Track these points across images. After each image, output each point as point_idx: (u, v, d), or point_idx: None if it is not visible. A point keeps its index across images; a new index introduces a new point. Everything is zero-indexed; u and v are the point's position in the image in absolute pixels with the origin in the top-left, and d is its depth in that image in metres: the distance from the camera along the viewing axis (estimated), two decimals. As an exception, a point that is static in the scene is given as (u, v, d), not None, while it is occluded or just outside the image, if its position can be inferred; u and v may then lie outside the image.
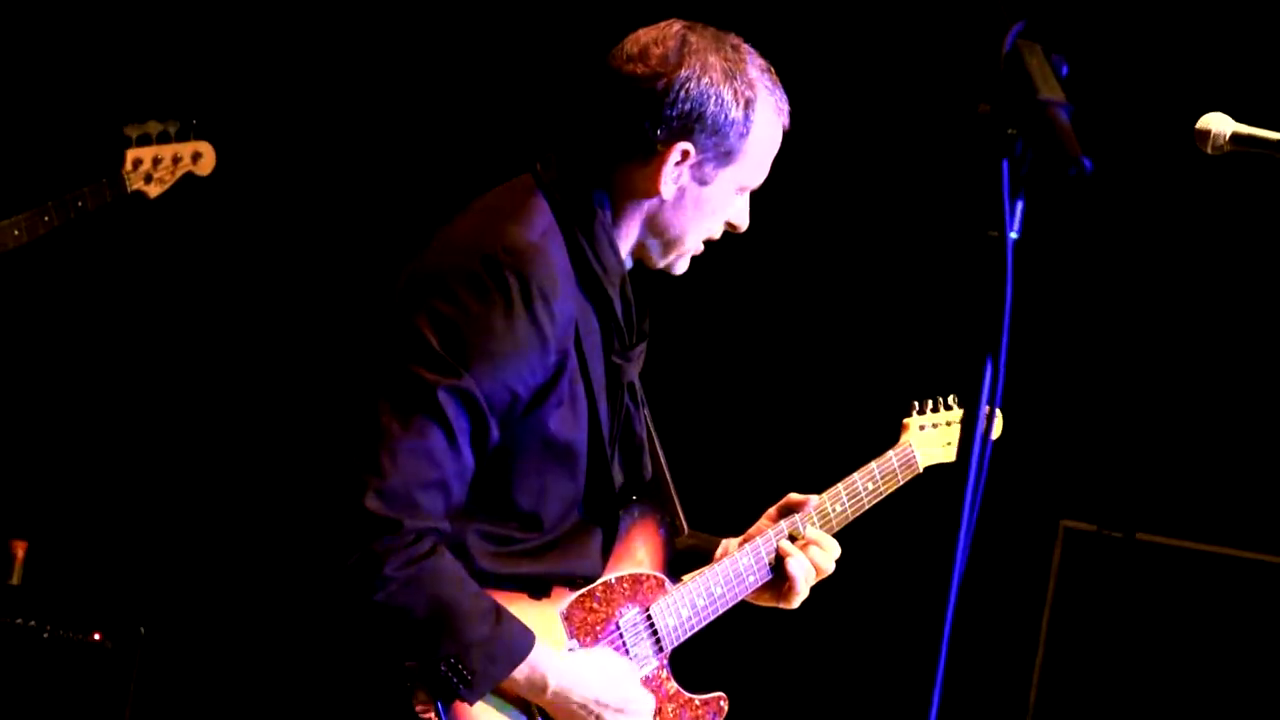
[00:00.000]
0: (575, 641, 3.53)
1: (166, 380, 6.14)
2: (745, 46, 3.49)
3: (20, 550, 5.45)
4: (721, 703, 3.73)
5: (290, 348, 6.12)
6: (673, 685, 3.65)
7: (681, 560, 3.74)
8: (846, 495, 3.85)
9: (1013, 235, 2.41)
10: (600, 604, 3.56)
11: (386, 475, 3.26)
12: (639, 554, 3.64)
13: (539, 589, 3.51)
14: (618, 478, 3.56)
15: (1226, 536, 5.83)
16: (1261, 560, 5.78)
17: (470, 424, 3.30)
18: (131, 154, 5.23)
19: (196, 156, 5.34)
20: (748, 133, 3.45)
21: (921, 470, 3.98)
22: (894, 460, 3.94)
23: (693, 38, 3.45)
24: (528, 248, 3.34)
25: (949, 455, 3.99)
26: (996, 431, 3.94)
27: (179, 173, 5.32)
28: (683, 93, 3.41)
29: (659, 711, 3.62)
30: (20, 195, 5.15)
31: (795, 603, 3.77)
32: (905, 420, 4.03)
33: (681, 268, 3.57)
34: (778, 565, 3.73)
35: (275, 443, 6.04)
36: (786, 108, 3.49)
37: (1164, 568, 5.77)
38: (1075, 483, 6.07)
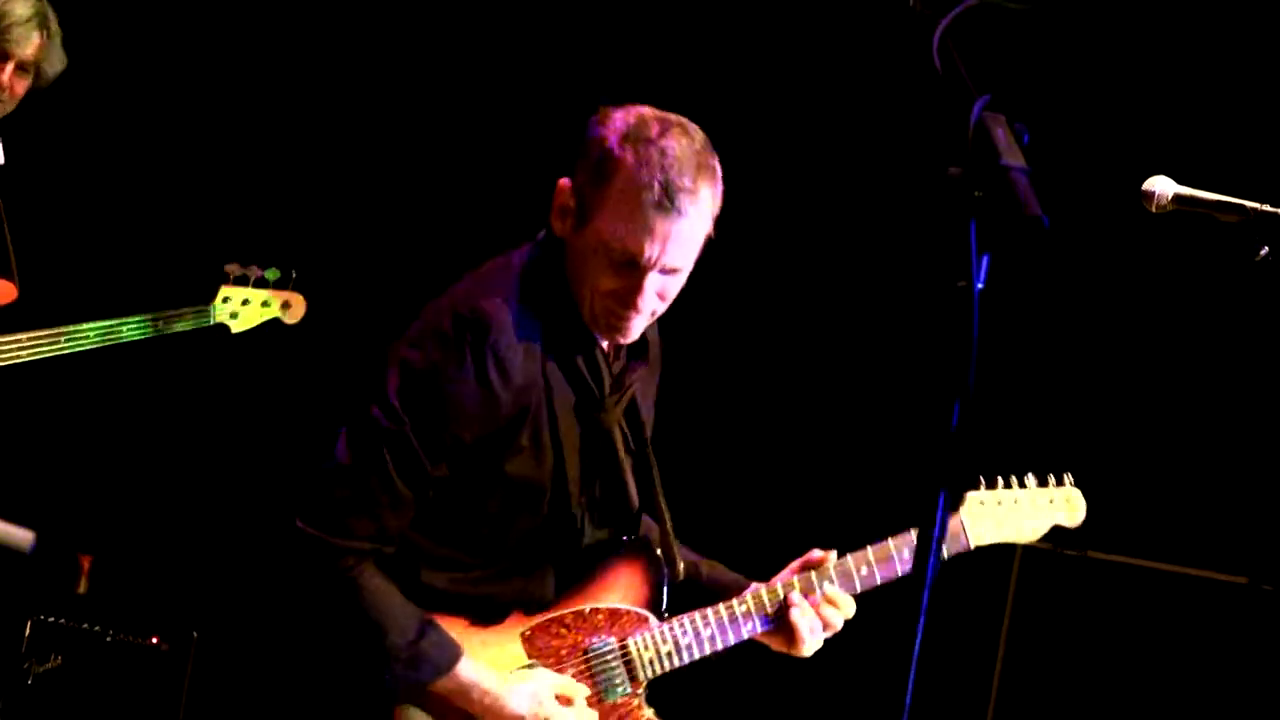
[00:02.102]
0: (537, 661, 3.50)
1: (215, 420, 6.15)
2: (680, 134, 3.31)
3: (86, 563, 5.44)
4: None
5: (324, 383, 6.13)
6: (645, 713, 3.57)
7: (702, 596, 3.65)
8: (876, 558, 3.63)
9: (979, 286, 2.41)
10: (570, 631, 3.53)
11: (323, 497, 3.32)
12: (622, 591, 3.57)
13: (496, 612, 3.49)
14: (584, 517, 3.51)
15: (1177, 555, 5.79)
16: (1211, 578, 5.71)
17: (406, 465, 3.31)
18: (224, 290, 5.25)
19: (286, 305, 5.34)
20: (602, 186, 3.30)
21: (971, 548, 3.73)
22: None
23: (647, 112, 3.36)
24: (493, 314, 3.33)
25: (1009, 537, 3.76)
26: (1077, 517, 3.87)
27: (266, 316, 5.32)
28: (587, 132, 3.37)
29: None
30: (125, 302, 5.17)
31: (804, 652, 3.63)
32: (965, 494, 3.74)
33: (608, 330, 3.43)
34: (782, 615, 3.62)
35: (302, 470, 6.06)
36: (655, 192, 3.26)
37: (1117, 585, 5.72)
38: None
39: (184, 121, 6.30)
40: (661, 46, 6.17)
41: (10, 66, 4.92)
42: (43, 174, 5.47)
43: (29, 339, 5.02)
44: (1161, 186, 3.35)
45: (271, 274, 5.36)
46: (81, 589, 5.42)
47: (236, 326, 5.29)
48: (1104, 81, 5.94)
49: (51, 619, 5.21)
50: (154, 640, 5.38)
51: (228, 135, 6.33)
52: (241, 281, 5.31)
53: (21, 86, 5.00)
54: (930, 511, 2.40)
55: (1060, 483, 3.81)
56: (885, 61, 5.62)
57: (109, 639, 5.27)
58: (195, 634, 5.31)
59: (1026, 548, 5.72)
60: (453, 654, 3.38)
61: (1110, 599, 5.69)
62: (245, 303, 5.29)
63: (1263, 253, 3.21)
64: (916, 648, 2.43)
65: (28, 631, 5.11)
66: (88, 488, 6.33)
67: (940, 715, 5.88)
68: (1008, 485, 3.78)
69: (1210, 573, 5.72)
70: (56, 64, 5.06)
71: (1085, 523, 5.83)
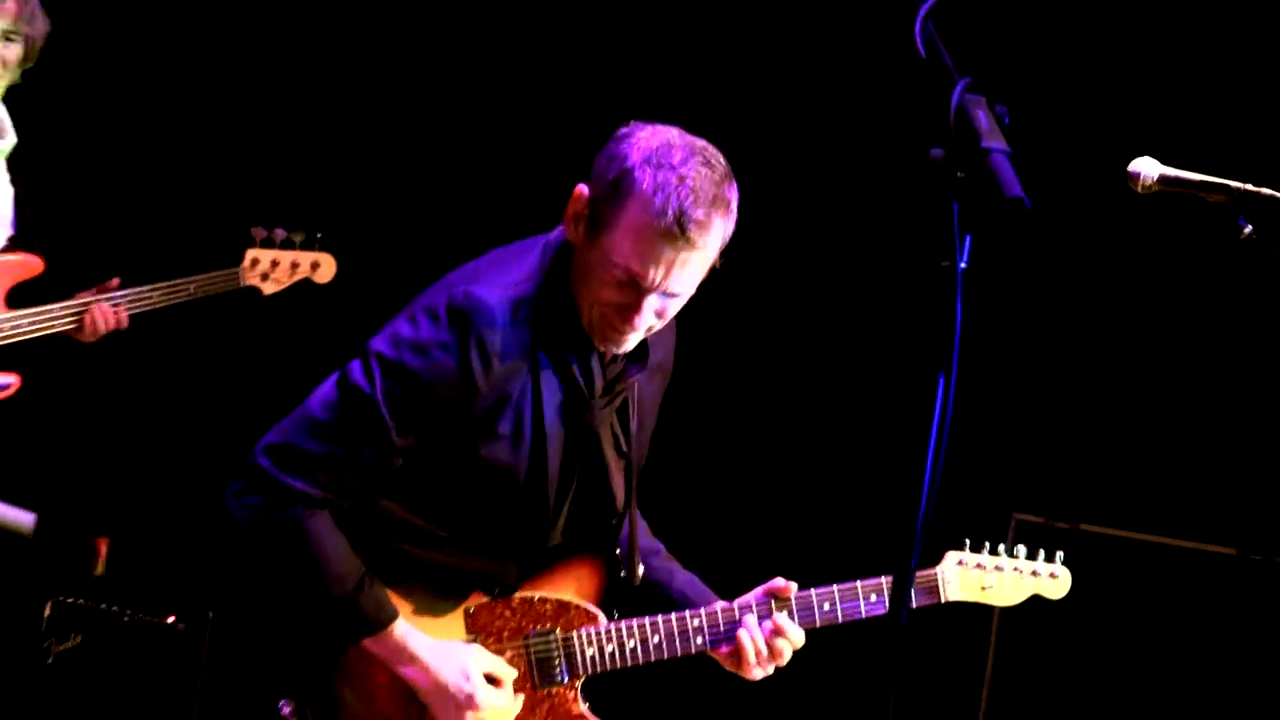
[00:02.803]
0: (476, 638, 3.49)
1: (226, 404, 6.12)
2: (701, 163, 3.25)
3: (103, 546, 5.43)
4: None
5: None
6: (579, 707, 3.54)
7: (666, 604, 3.62)
8: (841, 597, 3.58)
9: (962, 265, 2.39)
10: (514, 615, 3.51)
11: (288, 439, 3.32)
12: (576, 585, 3.55)
13: (456, 586, 3.49)
14: (559, 511, 3.49)
15: (1166, 527, 5.77)
16: (1200, 549, 5.70)
17: (372, 430, 3.30)
18: (251, 253, 5.20)
19: (315, 265, 5.29)
20: (616, 203, 3.25)
21: (944, 601, 3.67)
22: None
23: (673, 135, 3.30)
24: (487, 303, 3.31)
25: (983, 598, 3.70)
26: (1060, 593, 3.81)
27: (296, 277, 5.28)
28: (608, 146, 3.32)
29: None
30: (155, 270, 5.13)
31: (750, 675, 3.59)
32: (948, 551, 3.68)
33: (603, 339, 3.39)
34: (733, 635, 3.56)
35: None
36: (668, 219, 3.20)
37: (1108, 557, 5.71)
38: (1025, 477, 6.04)
39: (199, 87, 6.25)
40: (652, 32, 6.15)
41: None
42: (61, 148, 5.43)
43: (61, 309, 4.99)
44: (1147, 168, 3.34)
45: (298, 235, 5.31)
46: (99, 570, 5.41)
47: (268, 289, 5.26)
48: (1089, 63, 5.91)
49: (71, 599, 5.21)
50: (170, 620, 5.38)
51: (243, 100, 6.27)
52: (269, 244, 5.26)
53: (13, 53, 4.97)
54: (904, 563, 2.38)
55: (1050, 559, 3.77)
56: (869, 46, 5.62)
57: (127, 618, 5.28)
58: (210, 614, 5.29)
59: (1020, 520, 5.70)
60: (388, 614, 3.38)
61: (1102, 570, 5.67)
62: (275, 264, 5.25)
63: (1246, 230, 3.19)
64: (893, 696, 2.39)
65: (48, 612, 5.11)
66: (103, 474, 6.31)
67: (935, 684, 5.87)
68: (995, 552, 3.73)
69: (1199, 544, 5.70)
70: (40, 26, 5.01)
71: (1078, 495, 5.84)
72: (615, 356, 3.45)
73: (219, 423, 6.03)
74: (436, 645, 3.43)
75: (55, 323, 4.96)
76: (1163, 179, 3.31)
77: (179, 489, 6.06)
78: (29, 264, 4.97)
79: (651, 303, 3.30)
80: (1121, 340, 6.08)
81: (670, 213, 3.20)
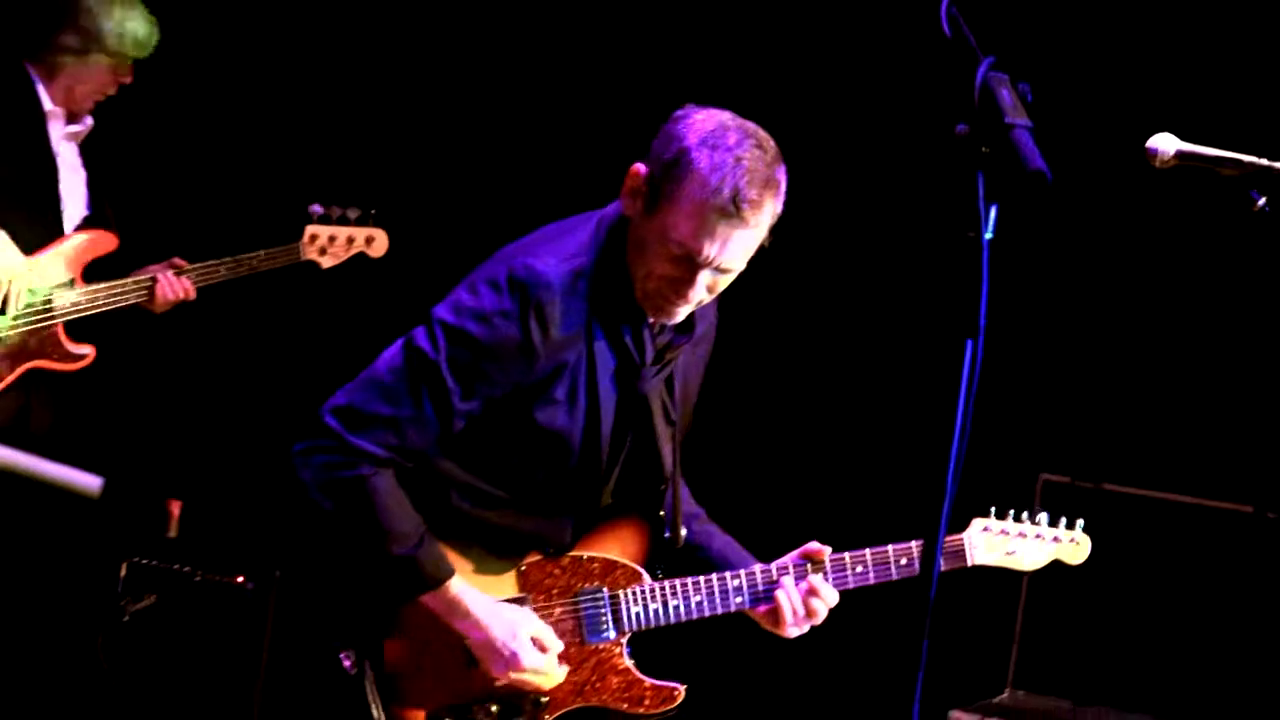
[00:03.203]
0: (527, 595, 3.55)
1: (289, 371, 6.20)
2: (754, 145, 3.32)
3: (175, 508, 5.50)
4: (675, 693, 3.62)
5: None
6: (624, 663, 3.59)
7: (706, 566, 3.67)
8: (873, 561, 3.64)
9: (988, 235, 2.45)
10: (563, 573, 3.57)
11: (355, 401, 3.37)
12: (622, 546, 3.60)
13: (512, 545, 3.55)
14: (611, 475, 3.55)
15: (1187, 486, 5.80)
16: (1219, 507, 5.72)
17: (436, 394, 3.35)
18: (310, 229, 5.28)
19: (370, 240, 5.37)
20: (674, 182, 3.31)
21: (970, 565, 3.73)
22: None
23: (727, 118, 3.36)
24: (546, 275, 3.36)
25: (1008, 563, 3.76)
26: (1079, 558, 3.87)
27: (352, 251, 5.35)
28: (665, 127, 3.38)
29: (598, 682, 3.58)
30: (219, 246, 5.22)
31: (787, 634, 3.66)
32: (974, 518, 3.73)
33: (655, 310, 3.45)
34: (770, 595, 3.62)
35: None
36: (723, 198, 3.27)
37: (1131, 515, 5.74)
38: (1051, 439, 6.06)
39: (261, 72, 6.33)
40: (687, 16, 6.19)
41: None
42: (129, 131, 5.51)
43: (132, 283, 5.08)
44: (1164, 144, 3.36)
45: (353, 212, 5.39)
46: (172, 533, 5.47)
47: (326, 263, 5.33)
48: (1111, 43, 5.93)
49: (145, 561, 5.24)
50: (239, 579, 5.43)
51: (301, 84, 6.35)
52: (325, 220, 5.34)
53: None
54: (933, 528, 2.45)
55: (1071, 526, 3.83)
56: (897, 28, 5.64)
57: (198, 579, 5.31)
58: (278, 573, 5.35)
59: (1046, 481, 5.75)
60: (445, 571, 3.43)
61: (1125, 529, 5.70)
62: (332, 240, 5.32)
63: (1260, 203, 3.23)
64: (924, 653, 2.45)
65: (123, 573, 5.16)
66: (176, 438, 6.40)
67: (966, 643, 5.91)
68: (1019, 519, 3.77)
69: (1218, 502, 5.72)
70: None
71: (1101, 456, 5.87)
72: (664, 327, 3.50)
73: (282, 391, 6.11)
74: (490, 603, 3.48)
75: (128, 296, 5.05)
76: (1179, 154, 3.34)
77: (246, 454, 6.14)
78: (105, 241, 5.07)
79: (704, 278, 3.36)
80: (1143, 305, 6.07)
81: (726, 192, 3.27)
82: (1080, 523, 3.82)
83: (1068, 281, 6.12)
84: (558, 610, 3.56)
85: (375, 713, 3.45)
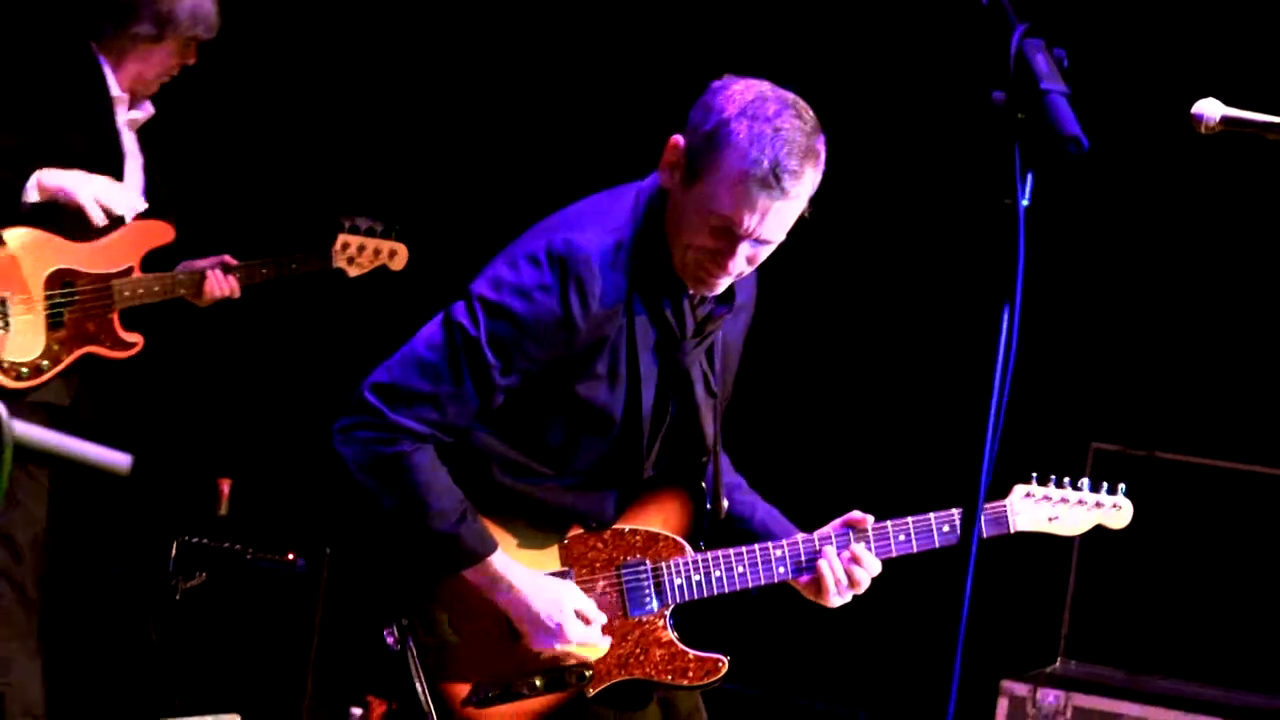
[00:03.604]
0: (570, 569, 3.54)
1: (325, 366, 6.25)
2: (794, 116, 3.29)
3: (226, 487, 5.54)
4: (719, 664, 3.59)
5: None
6: (668, 635, 3.57)
7: (748, 537, 3.65)
8: (915, 529, 3.61)
9: (1024, 203, 2.42)
10: (606, 546, 3.56)
11: (395, 377, 3.37)
12: (663, 518, 3.59)
13: (556, 520, 3.54)
14: (653, 448, 3.53)
15: (1239, 453, 5.77)
16: (1271, 474, 5.70)
17: (477, 369, 3.35)
18: (342, 238, 5.32)
19: (393, 254, 5.40)
20: (713, 153, 3.28)
21: (1013, 531, 3.68)
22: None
23: (766, 89, 3.33)
24: (585, 249, 3.35)
25: (1051, 528, 3.73)
26: (1121, 523, 3.85)
27: (376, 263, 5.38)
28: (703, 98, 3.35)
29: (641, 654, 3.56)
30: (257, 248, 5.25)
31: (830, 603, 3.62)
32: (1016, 485, 3.69)
33: (695, 282, 3.43)
34: (813, 564, 3.60)
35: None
36: (764, 169, 3.25)
37: (1182, 482, 5.72)
38: (1102, 407, 6.04)
39: (298, 88, 6.44)
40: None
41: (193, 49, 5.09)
42: (183, 127, 5.54)
43: (185, 275, 5.11)
44: (1210, 109, 3.35)
45: (379, 225, 5.43)
46: (223, 511, 5.52)
47: (352, 272, 5.36)
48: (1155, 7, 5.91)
49: (196, 539, 5.28)
50: (290, 557, 5.47)
51: (333, 99, 6.45)
52: (355, 231, 5.38)
53: (193, 54, 5.17)
54: (974, 495, 2.41)
55: (1113, 491, 3.80)
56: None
57: (249, 557, 5.35)
58: (328, 550, 5.39)
59: (1098, 450, 5.72)
60: (488, 546, 3.43)
61: (1177, 496, 5.68)
62: (361, 250, 5.36)
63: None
64: (964, 620, 2.43)
65: (174, 551, 5.20)
66: (226, 418, 6.45)
67: (1017, 612, 5.90)
68: (1060, 485, 3.74)
69: (1271, 469, 5.71)
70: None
71: (1152, 424, 5.85)
72: (704, 298, 3.48)
73: (328, 371, 6.16)
74: (533, 577, 3.47)
75: (179, 288, 5.08)
76: (1224, 119, 3.34)
77: (295, 433, 6.19)
78: (165, 231, 5.09)
79: (744, 249, 3.34)
80: (1195, 271, 6.06)
81: (766, 163, 3.24)
82: (1122, 487, 3.80)
83: (1118, 250, 6.09)
84: (601, 583, 3.56)
85: (419, 688, 3.46)
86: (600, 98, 6.36)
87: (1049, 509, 3.72)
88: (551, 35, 6.43)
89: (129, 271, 5.02)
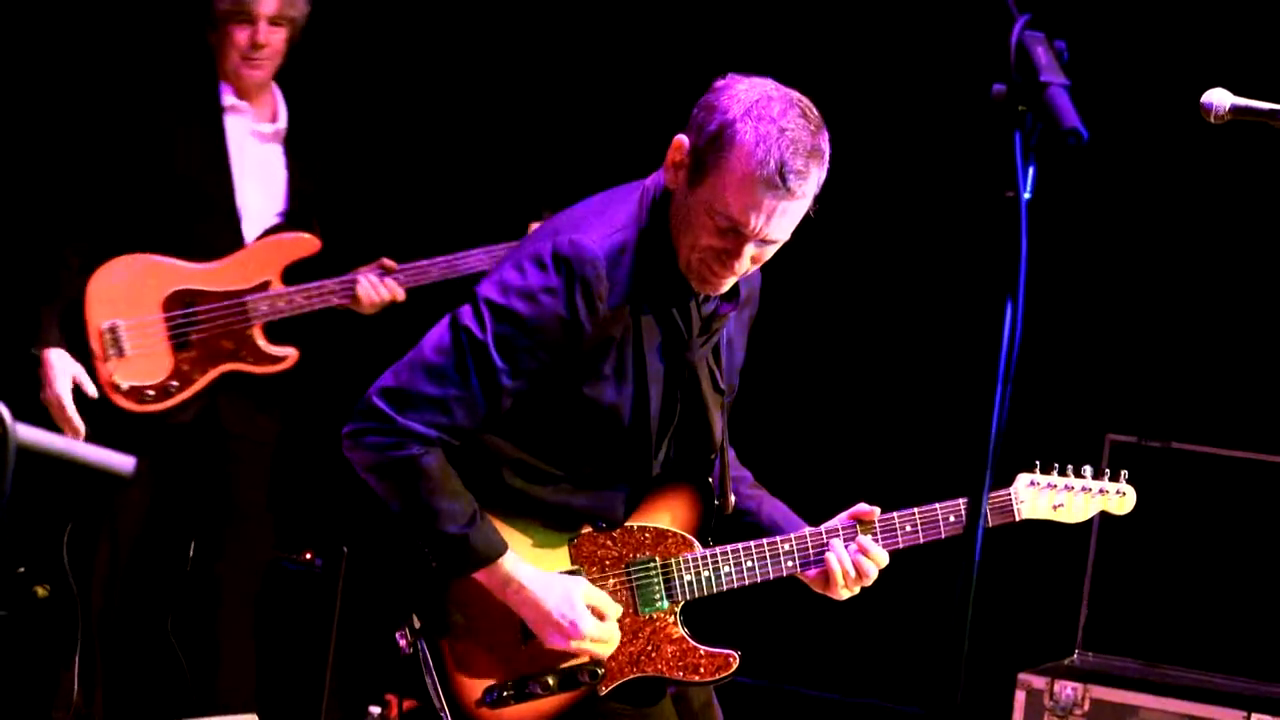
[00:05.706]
0: (580, 567, 3.54)
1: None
2: (798, 115, 3.28)
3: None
4: (730, 660, 3.59)
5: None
6: (678, 631, 3.57)
7: (756, 532, 3.66)
8: (922, 520, 3.62)
9: (1026, 195, 2.41)
10: (615, 544, 3.55)
11: (403, 382, 3.37)
12: (672, 515, 3.58)
13: (567, 521, 3.53)
14: (662, 447, 3.53)
15: (1256, 443, 5.74)
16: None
17: (484, 373, 3.35)
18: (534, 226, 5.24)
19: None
20: (718, 153, 3.27)
21: (1018, 520, 3.69)
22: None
23: (770, 87, 3.33)
24: (591, 250, 3.34)
25: (1056, 516, 3.73)
26: (1125, 508, 3.82)
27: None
28: (707, 97, 3.34)
29: (653, 651, 3.56)
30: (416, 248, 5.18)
31: (839, 595, 3.63)
32: (1020, 473, 3.70)
33: (700, 282, 3.41)
34: (821, 557, 3.60)
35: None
36: (769, 169, 3.24)
37: (1198, 473, 5.70)
38: (1118, 398, 6.02)
39: (427, 80, 6.42)
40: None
41: (262, 26, 4.96)
42: (328, 130, 5.44)
43: (334, 283, 5.04)
44: (1219, 99, 3.38)
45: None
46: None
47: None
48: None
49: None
50: (308, 556, 5.47)
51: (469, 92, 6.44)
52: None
53: (279, 39, 5.03)
54: (978, 484, 2.40)
55: (1116, 478, 3.79)
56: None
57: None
58: (346, 549, 5.39)
59: (1113, 440, 5.70)
60: (498, 548, 3.43)
61: (1193, 487, 5.66)
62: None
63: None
64: (969, 610, 2.41)
65: (191, 551, 5.20)
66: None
67: (1033, 605, 5.88)
68: (1063, 473, 3.74)
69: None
70: (301, 6, 5.06)
71: (1168, 414, 5.82)
72: (709, 296, 3.48)
73: (348, 374, 6.16)
74: (544, 576, 3.47)
75: (329, 297, 5.02)
76: (1234, 109, 3.36)
77: (313, 432, 6.18)
78: (307, 243, 5.03)
79: (750, 249, 3.33)
80: (1209, 262, 6.04)
81: (772, 163, 3.23)
82: (1125, 474, 3.79)
83: (1133, 241, 6.07)
84: (611, 581, 3.56)
85: (432, 690, 3.46)
86: (601, 98, 6.34)
87: (1053, 496, 3.73)
88: (552, 35, 6.41)
89: (265, 285, 4.97)
